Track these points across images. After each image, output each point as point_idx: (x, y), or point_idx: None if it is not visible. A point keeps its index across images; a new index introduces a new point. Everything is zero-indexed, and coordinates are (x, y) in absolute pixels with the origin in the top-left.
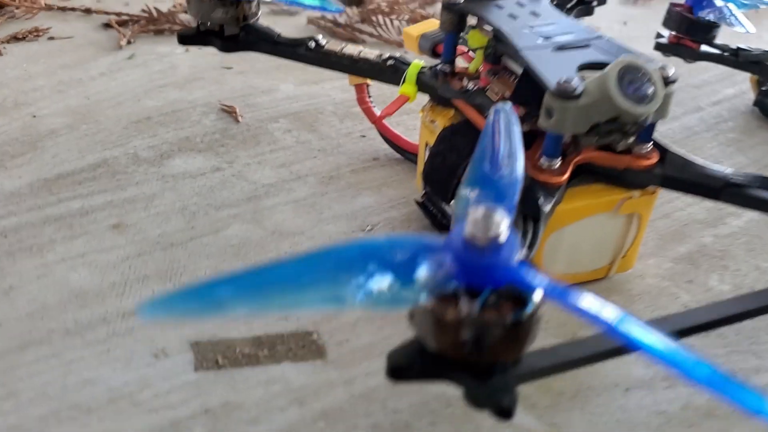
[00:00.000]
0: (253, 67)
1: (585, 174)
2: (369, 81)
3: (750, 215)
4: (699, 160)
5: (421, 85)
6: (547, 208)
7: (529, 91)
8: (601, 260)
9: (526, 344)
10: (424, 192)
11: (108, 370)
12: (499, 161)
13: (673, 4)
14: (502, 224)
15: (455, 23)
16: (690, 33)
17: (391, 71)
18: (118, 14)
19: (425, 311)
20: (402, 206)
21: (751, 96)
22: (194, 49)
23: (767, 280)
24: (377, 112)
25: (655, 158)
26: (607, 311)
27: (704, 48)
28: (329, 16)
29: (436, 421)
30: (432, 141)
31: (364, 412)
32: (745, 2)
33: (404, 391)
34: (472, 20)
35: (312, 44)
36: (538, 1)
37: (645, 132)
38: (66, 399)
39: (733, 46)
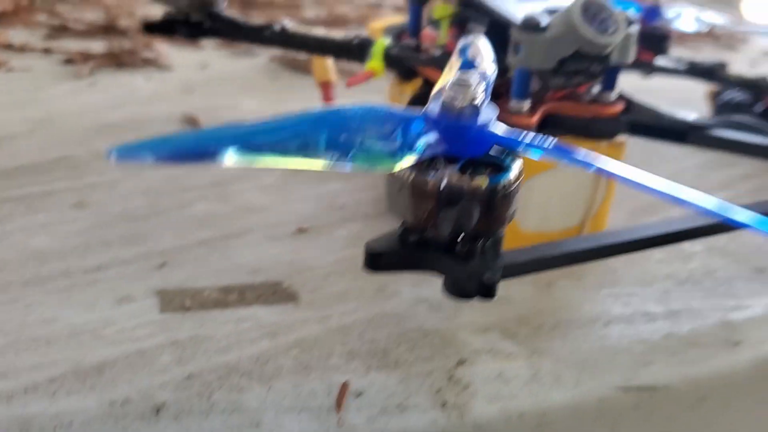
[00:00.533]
0: (216, 90)
1: (555, 128)
2: (333, 78)
3: (718, 196)
4: (664, 108)
5: (389, 59)
6: None
7: (494, 43)
8: (572, 218)
9: (506, 215)
10: None
11: (69, 311)
12: (470, 62)
13: None
14: (479, 88)
15: None
16: (645, 44)
17: (357, 49)
18: (81, 52)
19: (405, 183)
20: (371, 189)
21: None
22: (157, 78)
23: (739, 244)
24: None
25: (620, 107)
26: (598, 159)
27: (659, 61)
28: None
29: (415, 347)
30: None
31: (341, 341)
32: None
33: (382, 324)
34: None
35: (278, 27)
36: None
37: (609, 79)
38: (25, 333)
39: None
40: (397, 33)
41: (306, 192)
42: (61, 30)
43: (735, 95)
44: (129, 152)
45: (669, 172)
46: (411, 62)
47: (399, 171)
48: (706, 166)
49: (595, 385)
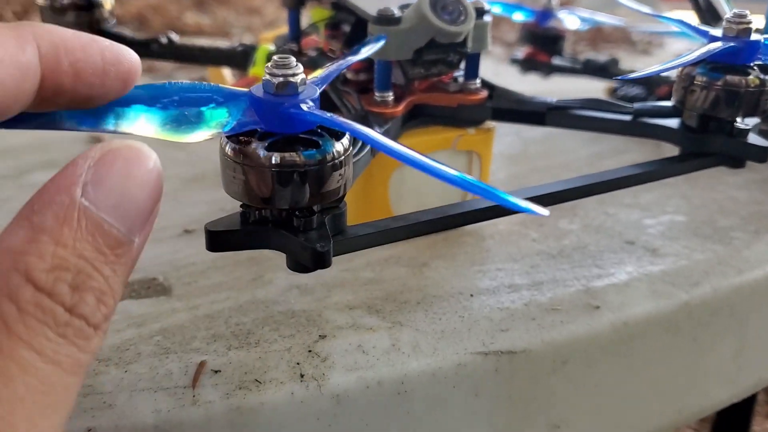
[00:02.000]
0: None
1: (424, 117)
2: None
3: None
4: (525, 94)
5: None
6: (377, 129)
7: (359, 37)
8: (449, 203)
9: (337, 187)
10: None
11: None
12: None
13: (523, 24)
14: (298, 68)
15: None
16: (540, 45)
17: (241, 56)
18: None
19: (237, 163)
20: None
21: None
22: None
23: (615, 221)
24: None
25: (484, 94)
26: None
27: (556, 61)
28: None
29: (279, 327)
30: None
31: (206, 327)
32: (585, 19)
33: (250, 309)
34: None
35: (164, 40)
36: None
37: (471, 68)
38: None
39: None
40: (284, 40)
41: (198, 197)
42: None
43: (630, 90)
44: None
45: (563, 162)
46: None
47: (230, 153)
48: (598, 155)
49: (452, 351)
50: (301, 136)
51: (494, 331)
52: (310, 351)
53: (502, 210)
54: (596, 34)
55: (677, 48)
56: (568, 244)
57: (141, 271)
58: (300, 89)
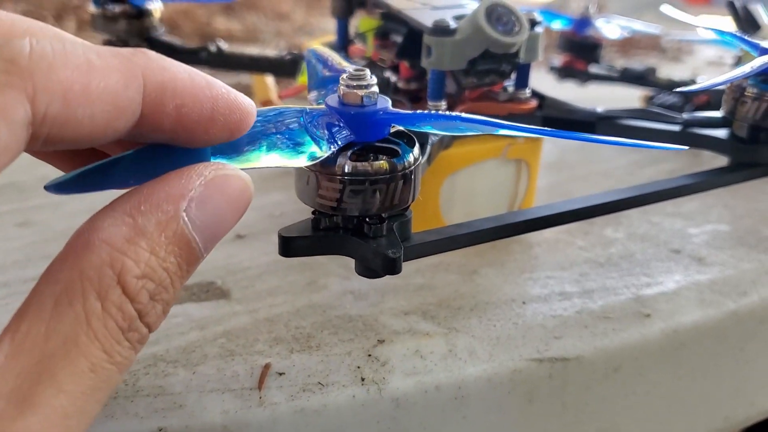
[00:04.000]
0: None
1: None
2: (274, 97)
3: None
4: (574, 103)
5: None
6: (433, 138)
7: (411, 47)
8: (497, 211)
9: (408, 195)
10: None
11: (5, 318)
12: None
13: (561, 32)
14: (373, 80)
15: (344, 9)
16: (578, 53)
17: (290, 65)
18: None
19: (312, 170)
20: None
21: None
22: None
23: (659, 230)
24: None
25: (534, 103)
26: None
27: (593, 69)
28: None
29: (337, 332)
30: None
31: (267, 330)
32: (622, 27)
33: (308, 313)
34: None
35: (213, 48)
36: None
37: (521, 77)
38: None
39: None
40: (332, 48)
41: None
42: None
43: (667, 98)
44: (65, 185)
45: (602, 170)
46: None
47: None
48: (637, 164)
49: (508, 357)
50: (377, 144)
51: (548, 338)
52: (369, 355)
53: (563, 217)
54: (627, 41)
55: (707, 55)
56: (615, 252)
57: (199, 275)
58: (376, 99)
